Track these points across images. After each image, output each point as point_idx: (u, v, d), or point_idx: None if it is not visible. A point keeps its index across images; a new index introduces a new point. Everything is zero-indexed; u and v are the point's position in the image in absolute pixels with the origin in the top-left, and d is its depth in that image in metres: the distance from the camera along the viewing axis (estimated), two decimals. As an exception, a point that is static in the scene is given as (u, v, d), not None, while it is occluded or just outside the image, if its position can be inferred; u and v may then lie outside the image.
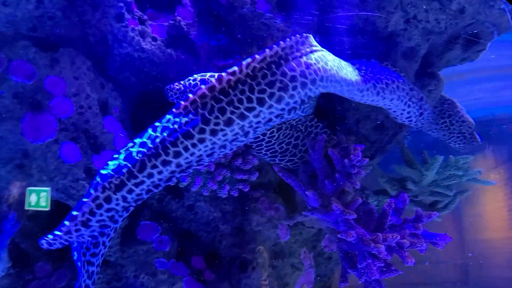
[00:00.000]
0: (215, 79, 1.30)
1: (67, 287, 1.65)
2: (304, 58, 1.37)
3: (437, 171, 1.96)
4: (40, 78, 1.45)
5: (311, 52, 1.43)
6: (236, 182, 1.73)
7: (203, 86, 1.30)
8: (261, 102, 1.28)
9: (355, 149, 1.69)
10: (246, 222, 1.88)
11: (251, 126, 1.33)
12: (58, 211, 1.55)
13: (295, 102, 1.36)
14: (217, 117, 1.28)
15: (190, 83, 1.65)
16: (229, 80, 1.29)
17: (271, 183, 2.01)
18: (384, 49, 2.04)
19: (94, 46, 1.64)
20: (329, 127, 2.00)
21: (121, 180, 1.29)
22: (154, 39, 1.76)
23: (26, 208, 1.53)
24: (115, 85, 1.75)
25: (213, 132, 1.29)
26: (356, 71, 1.63)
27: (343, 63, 1.56)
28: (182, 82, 1.63)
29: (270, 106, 1.30)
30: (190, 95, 1.29)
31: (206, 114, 1.29)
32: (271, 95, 1.29)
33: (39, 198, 1.53)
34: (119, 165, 1.31)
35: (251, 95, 1.28)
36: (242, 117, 1.29)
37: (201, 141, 1.29)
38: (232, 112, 1.28)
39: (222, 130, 1.29)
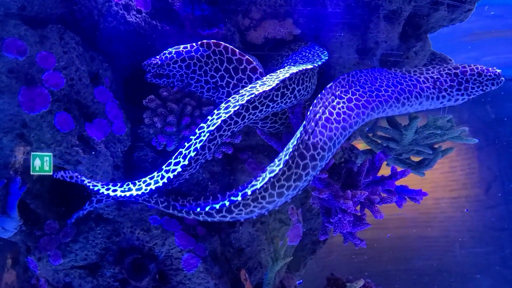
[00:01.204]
0: None
1: (72, 242, 1.84)
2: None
3: (417, 131, 2.03)
4: (32, 54, 1.58)
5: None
6: (220, 145, 1.86)
7: None
8: None
9: (330, 111, 1.78)
10: (234, 182, 2.02)
11: None
12: (58, 175, 1.73)
13: None
14: None
15: (166, 57, 1.75)
16: None
17: (259, 145, 2.14)
18: (367, 12, 2.08)
19: (81, 21, 1.75)
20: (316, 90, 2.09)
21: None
22: (139, 12, 1.86)
23: (32, 173, 1.71)
24: (105, 57, 1.87)
25: None
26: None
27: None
28: (158, 56, 1.73)
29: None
30: None
31: None
32: None
33: (43, 163, 1.70)
34: None
35: None
36: None
37: None
38: None
39: None
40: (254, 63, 1.78)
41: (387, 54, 2.18)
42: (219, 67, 1.78)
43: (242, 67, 1.77)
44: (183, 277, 1.88)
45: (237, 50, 1.75)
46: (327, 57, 1.89)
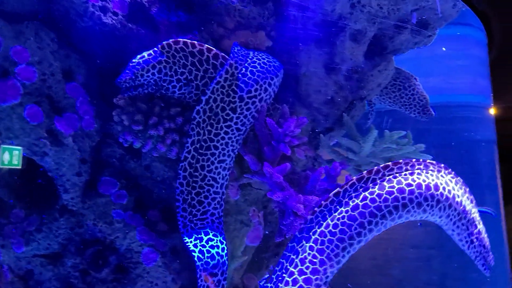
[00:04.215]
0: None
1: (35, 231, 1.91)
2: None
3: (375, 144, 2.15)
4: (6, 48, 1.66)
5: None
6: (184, 145, 1.94)
7: None
8: None
9: (290, 120, 1.88)
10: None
11: None
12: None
13: None
14: None
15: (137, 68, 1.84)
16: None
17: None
18: (334, 30, 2.20)
19: (58, 20, 1.83)
20: (284, 101, 2.20)
21: None
22: (115, 14, 1.95)
23: (0, 166, 1.77)
24: (80, 55, 1.95)
25: None
26: None
27: None
28: (127, 71, 1.82)
29: None
30: None
31: None
32: None
33: (11, 157, 1.76)
34: None
35: None
36: None
37: None
38: None
39: None
40: (214, 49, 1.87)
41: (353, 71, 2.31)
42: (186, 62, 1.88)
43: (205, 57, 1.87)
44: (142, 270, 1.95)
45: (195, 42, 1.84)
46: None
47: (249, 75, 1.91)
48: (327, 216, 1.55)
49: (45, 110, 1.77)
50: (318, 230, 1.53)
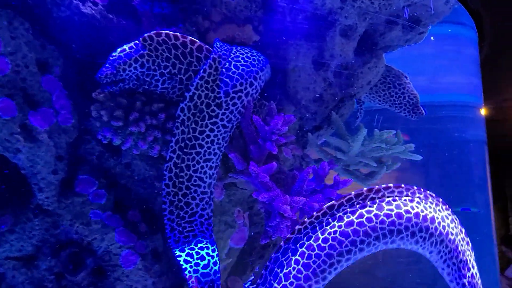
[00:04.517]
0: None
1: (8, 232, 1.80)
2: None
3: (364, 143, 2.09)
4: (-24, 37, 1.55)
5: None
6: (167, 143, 1.86)
7: None
8: None
9: (277, 117, 1.81)
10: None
11: None
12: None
13: None
14: None
15: (118, 62, 1.75)
16: None
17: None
18: (324, 25, 2.14)
19: (34, 8, 1.73)
20: (271, 98, 2.13)
21: None
22: (95, 4, 1.85)
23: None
24: (57, 47, 1.84)
25: None
26: None
27: None
28: (107, 65, 1.73)
29: None
30: None
31: None
32: None
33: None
34: None
35: None
36: None
37: None
38: None
39: None
40: (198, 42, 1.79)
41: (342, 67, 2.25)
42: (169, 55, 1.79)
43: (188, 50, 1.79)
44: (121, 273, 1.86)
45: (178, 34, 1.76)
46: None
47: (233, 69, 1.84)
48: (318, 229, 1.47)
49: (18, 103, 1.67)
50: (306, 243, 1.46)
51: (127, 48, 1.78)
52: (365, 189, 1.48)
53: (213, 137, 1.83)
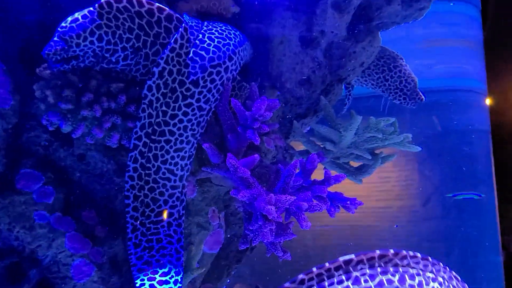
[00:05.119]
0: None
1: None
2: None
3: (358, 133, 1.84)
4: None
5: None
6: (128, 130, 1.55)
7: None
8: None
9: (260, 101, 1.53)
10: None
11: None
12: None
13: None
14: None
15: (70, 35, 1.43)
16: None
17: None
18: (314, -3, 1.86)
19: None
20: (252, 80, 1.84)
21: None
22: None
23: None
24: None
25: None
26: None
27: None
28: (56, 38, 1.42)
29: None
30: None
31: None
32: None
33: None
34: None
35: None
36: None
37: None
38: None
39: None
40: (167, 9, 1.49)
41: (333, 46, 1.98)
42: (132, 25, 1.48)
43: (155, 19, 1.48)
44: (72, 287, 1.56)
45: (143, 0, 1.45)
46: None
47: (209, 41, 1.55)
48: (326, 285, 1.18)
49: None
50: None
51: (80, 17, 1.46)
52: (391, 251, 1.20)
53: (187, 122, 1.53)
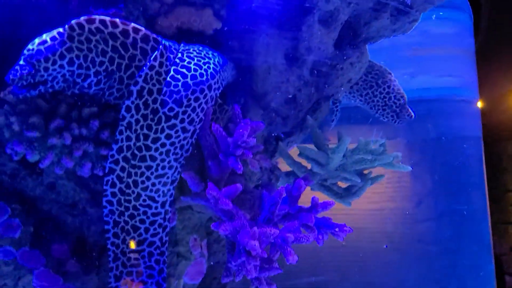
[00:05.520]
0: None
1: None
2: None
3: (346, 154, 1.76)
4: None
5: None
6: (102, 159, 1.44)
7: None
8: None
9: (242, 125, 1.43)
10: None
11: None
12: None
13: None
14: None
15: (37, 59, 1.32)
16: None
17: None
18: (300, 12, 1.77)
19: None
20: (234, 101, 1.75)
21: None
22: (1, -25, 1.41)
23: None
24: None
25: None
26: None
27: None
28: (22, 62, 1.31)
29: None
30: None
31: None
32: None
33: None
34: None
35: None
36: None
37: None
38: None
39: None
40: (143, 29, 1.40)
41: (320, 63, 1.89)
42: (105, 48, 1.38)
43: (131, 40, 1.38)
44: (41, 328, 1.44)
45: (117, 20, 1.36)
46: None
47: (188, 60, 1.46)
48: None
49: None
50: None
51: (48, 39, 1.34)
52: None
53: (170, 146, 1.43)
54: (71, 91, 1.44)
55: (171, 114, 1.41)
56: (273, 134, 2.01)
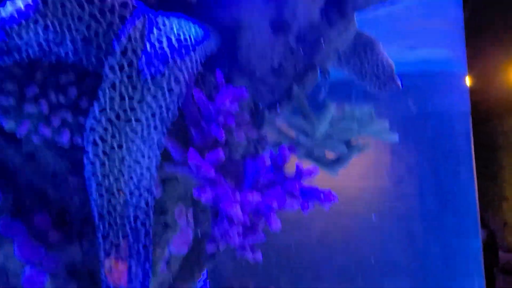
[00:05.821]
0: None
1: None
2: None
3: (332, 123, 1.74)
4: None
5: None
6: (81, 127, 1.41)
7: None
8: None
9: (224, 91, 1.40)
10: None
11: None
12: None
13: None
14: None
15: (10, 24, 1.27)
16: None
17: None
18: (284, -23, 1.73)
19: None
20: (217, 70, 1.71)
21: None
22: None
23: None
24: None
25: None
26: None
27: None
28: None
29: None
30: None
31: None
32: None
33: None
34: None
35: None
36: None
37: None
38: None
39: None
40: None
41: (306, 31, 1.86)
42: (81, 14, 1.33)
43: (108, 5, 1.34)
44: (24, 298, 1.44)
45: None
46: None
47: (171, 24, 1.42)
48: None
49: None
50: None
51: (21, 4, 1.29)
52: None
53: (156, 107, 1.39)
54: (48, 59, 1.40)
55: (157, 74, 1.37)
56: (259, 104, 1.99)
